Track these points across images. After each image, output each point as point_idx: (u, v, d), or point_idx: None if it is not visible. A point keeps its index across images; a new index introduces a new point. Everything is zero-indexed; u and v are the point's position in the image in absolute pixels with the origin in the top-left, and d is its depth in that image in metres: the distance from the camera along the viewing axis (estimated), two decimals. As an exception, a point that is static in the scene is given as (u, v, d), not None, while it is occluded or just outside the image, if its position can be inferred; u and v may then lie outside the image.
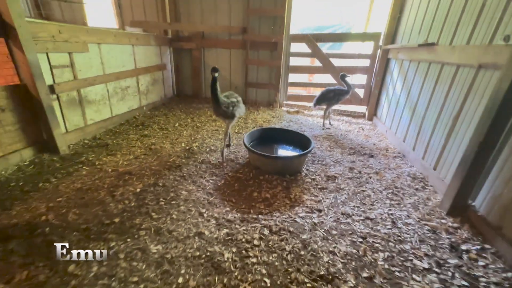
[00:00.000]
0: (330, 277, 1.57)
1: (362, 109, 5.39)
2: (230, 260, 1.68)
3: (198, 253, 1.72)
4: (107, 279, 1.51)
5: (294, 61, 5.43)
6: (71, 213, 2.04)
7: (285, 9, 4.69)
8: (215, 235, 1.88)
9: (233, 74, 5.56)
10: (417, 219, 2.13)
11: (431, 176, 2.73)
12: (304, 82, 6.53)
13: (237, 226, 1.99)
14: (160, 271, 1.58)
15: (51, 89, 2.93)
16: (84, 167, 2.75)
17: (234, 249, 1.76)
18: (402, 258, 1.73)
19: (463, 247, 1.82)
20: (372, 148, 3.62)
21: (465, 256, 1.75)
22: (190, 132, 3.91)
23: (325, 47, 6.53)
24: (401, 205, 2.32)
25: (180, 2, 5.14)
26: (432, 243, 1.87)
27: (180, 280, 1.52)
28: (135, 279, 1.52)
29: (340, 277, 1.58)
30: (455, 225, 2.05)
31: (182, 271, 1.58)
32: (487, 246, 1.83)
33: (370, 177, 2.81)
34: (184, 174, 2.71)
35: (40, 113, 2.78)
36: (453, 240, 1.89)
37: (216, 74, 2.56)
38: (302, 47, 5.26)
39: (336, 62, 5.18)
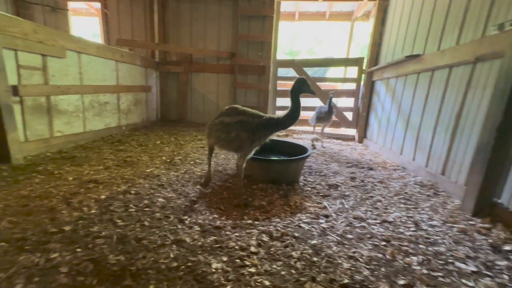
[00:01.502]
0: (358, 286, 1.15)
1: (352, 131, 5.34)
2: (219, 271, 1.23)
3: (175, 264, 1.25)
4: (34, 301, 1.00)
5: (281, 86, 5.48)
6: (4, 222, 1.52)
7: (272, 35, 4.87)
8: (199, 243, 1.43)
9: (221, 97, 5.47)
10: (442, 222, 1.80)
11: (440, 182, 2.48)
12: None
13: (228, 232, 1.56)
14: (119, 287, 1.09)
15: (15, 90, 2.56)
16: (38, 176, 2.26)
17: (224, 258, 1.32)
18: (441, 261, 1.36)
19: (506, 247, 1.49)
20: (370, 163, 3.40)
21: (513, 257, 1.41)
22: (172, 148, 3.54)
23: (310, 72, 6.72)
24: (419, 209, 2.00)
25: (170, 25, 5.24)
26: (469, 244, 1.53)
27: (147, 297, 1.05)
28: (78, 299, 1.02)
29: (370, 286, 1.16)
30: (486, 225, 1.73)
31: (151, 287, 1.11)
32: (533, 244, 1.51)
33: (375, 185, 2.52)
34: (163, 183, 2.29)
35: (-6, 113, 2.36)
36: (490, 241, 1.56)
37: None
38: (290, 72, 5.37)
39: (323, 86, 5.27)
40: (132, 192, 2.05)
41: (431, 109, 2.80)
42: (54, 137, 3.07)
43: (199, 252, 1.35)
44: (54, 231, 1.46)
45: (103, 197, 1.93)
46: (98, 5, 5.68)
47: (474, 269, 1.30)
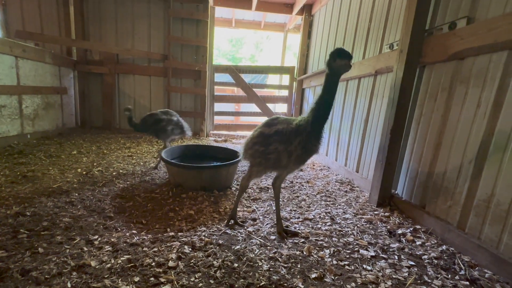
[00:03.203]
0: (274, 286, 1.19)
1: (287, 136, 5.66)
2: (128, 294, 1.10)
3: (72, 295, 1.07)
4: None
5: (219, 91, 5.46)
6: None
7: (207, 40, 4.82)
8: (108, 265, 1.27)
9: (154, 102, 5.11)
10: (353, 214, 2.03)
11: (355, 179, 2.82)
12: (231, 112, 6.56)
13: (145, 249, 1.43)
14: (-17, 338, 0.87)
15: None
16: None
17: (137, 278, 1.19)
18: (348, 251, 1.51)
19: (399, 231, 1.76)
20: (300, 164, 3.64)
21: (403, 239, 1.67)
22: (92, 158, 3.12)
23: (248, 79, 6.93)
24: (336, 204, 2.22)
25: (90, 20, 4.65)
26: (372, 232, 1.75)
27: None
28: None
29: (286, 284, 1.21)
30: (386, 214, 2.03)
31: (33, 329, 0.91)
32: (418, 226, 1.82)
33: (302, 185, 2.70)
34: (73, 200, 1.97)
35: None
36: (388, 227, 1.82)
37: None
38: (227, 77, 5.39)
39: (260, 92, 5.46)
40: (28, 213, 1.70)
41: (348, 114, 3.17)
42: None
43: (106, 276, 1.19)
44: None
45: (-18, 223, 1.54)
46: (-8, -12, 4.67)
47: (373, 254, 1.49)
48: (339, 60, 1.36)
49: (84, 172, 2.60)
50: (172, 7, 4.66)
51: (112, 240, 1.49)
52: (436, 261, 1.45)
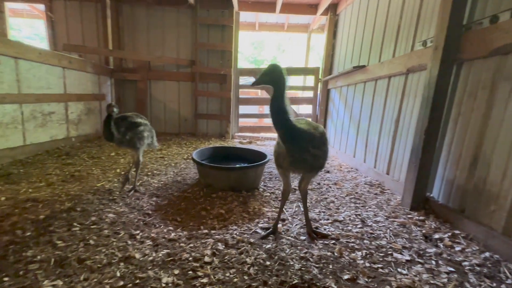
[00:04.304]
0: (306, 285, 1.21)
1: (312, 137, 5.60)
2: (170, 285, 1.19)
3: (121, 283, 1.18)
4: None
5: (243, 94, 5.56)
6: None
7: (232, 45, 4.95)
8: (150, 258, 1.38)
9: (182, 106, 5.35)
10: (385, 217, 1.97)
11: (386, 181, 2.73)
12: (255, 114, 6.62)
13: (182, 244, 1.52)
14: (52, 315, 1.00)
15: None
16: (-39, 198, 1.97)
17: (176, 271, 1.28)
18: (381, 254, 1.49)
19: (436, 236, 1.69)
20: (327, 166, 3.60)
21: (440, 244, 1.60)
22: (128, 160, 3.35)
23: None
24: (366, 207, 2.17)
25: (125, 31, 5.01)
26: (406, 236, 1.70)
27: (86, 323, 0.97)
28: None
29: (318, 283, 1.22)
30: (421, 218, 1.95)
31: (92, 311, 1.03)
32: (456, 231, 1.73)
33: (330, 187, 2.67)
34: (115, 197, 2.15)
35: None
36: (423, 231, 1.75)
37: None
38: (251, 80, 5.48)
39: (283, 94, 5.48)
40: (78, 209, 1.89)
41: (376, 115, 3.08)
42: (-16, 153, 2.71)
43: (149, 268, 1.30)
44: (-24, 260, 1.28)
45: (42, 217, 1.74)
46: (42, 7, 5.22)
47: (409, 258, 1.45)
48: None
49: (122, 172, 2.81)
50: (199, 14, 4.86)
51: (152, 235, 1.60)
52: (478, 268, 1.37)
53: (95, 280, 1.19)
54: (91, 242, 1.49)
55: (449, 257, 1.47)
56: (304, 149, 1.44)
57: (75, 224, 1.68)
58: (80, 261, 1.32)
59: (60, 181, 2.46)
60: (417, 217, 1.96)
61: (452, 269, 1.36)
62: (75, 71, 4.03)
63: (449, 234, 1.70)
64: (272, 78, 1.37)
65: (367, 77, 3.28)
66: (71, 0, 4.90)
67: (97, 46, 5.02)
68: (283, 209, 1.87)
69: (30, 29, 12.24)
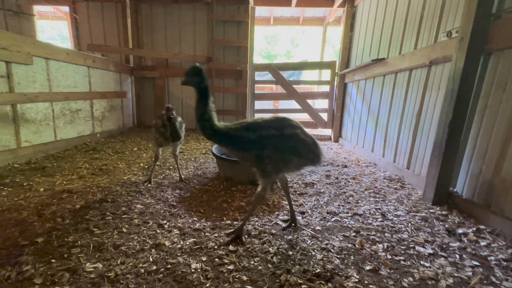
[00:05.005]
0: (329, 274, 1.25)
1: (328, 131, 5.56)
2: (199, 270, 1.27)
3: (154, 267, 1.27)
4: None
5: (258, 89, 5.58)
6: (-31, 237, 1.45)
7: (247, 40, 4.97)
8: (179, 245, 1.46)
9: (199, 102, 5.45)
10: (406, 211, 1.96)
11: (406, 176, 2.69)
12: (270, 109, 6.64)
13: (207, 234, 1.60)
14: (96, 294, 1.10)
15: (-25, 99, 2.43)
16: (5, 188, 2.15)
17: (204, 258, 1.36)
18: (403, 247, 1.50)
19: (459, 230, 1.66)
20: (344, 161, 3.58)
21: (464, 239, 1.58)
22: (150, 154, 3.50)
23: (286, 75, 6.91)
24: (386, 201, 2.16)
25: (144, 30, 5.16)
26: (428, 230, 1.69)
27: (126, 301, 1.06)
28: (55, 308, 1.02)
29: (340, 273, 1.26)
30: (444, 212, 1.92)
31: (130, 291, 1.12)
32: (481, 226, 1.70)
33: (349, 181, 2.67)
34: (141, 189, 2.27)
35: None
36: (446, 226, 1.73)
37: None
38: (266, 75, 5.49)
39: (299, 89, 5.45)
40: (109, 200, 2.02)
41: (396, 108, 3.02)
42: (21, 148, 2.92)
43: (179, 254, 1.38)
44: (26, 244, 1.42)
45: (78, 206, 1.88)
46: (66, 9, 5.46)
47: (431, 251, 1.45)
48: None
49: (146, 166, 2.94)
50: (215, 11, 4.91)
51: (179, 225, 1.69)
52: (505, 263, 1.35)
53: (131, 264, 1.29)
54: (124, 230, 1.60)
55: (473, 252, 1.45)
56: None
57: (107, 213, 1.80)
58: (115, 246, 1.43)
59: (90, 174, 2.62)
60: (440, 212, 1.93)
61: (476, 263, 1.35)
62: (99, 70, 4.21)
63: (474, 229, 1.68)
64: (193, 81, 1.44)
65: (386, 70, 3.21)
66: (93, 1, 5.10)
67: (118, 45, 5.21)
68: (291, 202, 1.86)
69: (53, 31, 12.81)
